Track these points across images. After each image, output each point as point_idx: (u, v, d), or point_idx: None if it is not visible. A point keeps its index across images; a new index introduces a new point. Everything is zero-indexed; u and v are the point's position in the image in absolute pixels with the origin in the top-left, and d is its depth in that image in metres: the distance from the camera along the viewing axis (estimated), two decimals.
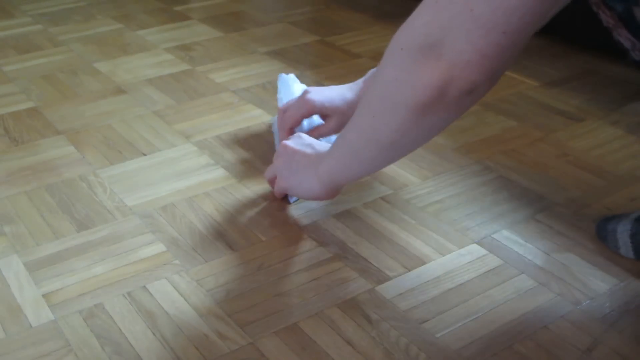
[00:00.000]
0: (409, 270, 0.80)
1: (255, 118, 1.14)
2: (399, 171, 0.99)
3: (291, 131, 0.95)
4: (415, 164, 1.00)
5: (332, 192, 0.84)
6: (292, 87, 1.04)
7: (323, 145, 0.85)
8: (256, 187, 0.95)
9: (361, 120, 0.70)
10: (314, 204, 0.91)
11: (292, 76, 1.07)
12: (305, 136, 0.88)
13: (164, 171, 0.99)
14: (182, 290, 0.77)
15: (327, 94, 0.94)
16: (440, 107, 0.61)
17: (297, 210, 0.90)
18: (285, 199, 0.92)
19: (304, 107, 0.93)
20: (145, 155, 1.03)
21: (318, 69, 1.33)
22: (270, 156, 1.02)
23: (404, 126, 0.65)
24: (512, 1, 0.54)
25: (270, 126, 1.11)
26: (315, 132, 0.96)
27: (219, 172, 0.99)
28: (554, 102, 1.19)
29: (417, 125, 0.64)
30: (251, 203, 0.92)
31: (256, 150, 1.04)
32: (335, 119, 0.94)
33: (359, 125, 0.71)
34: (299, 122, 0.95)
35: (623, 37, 0.62)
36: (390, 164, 0.75)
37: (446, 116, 0.63)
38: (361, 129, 0.70)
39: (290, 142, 0.87)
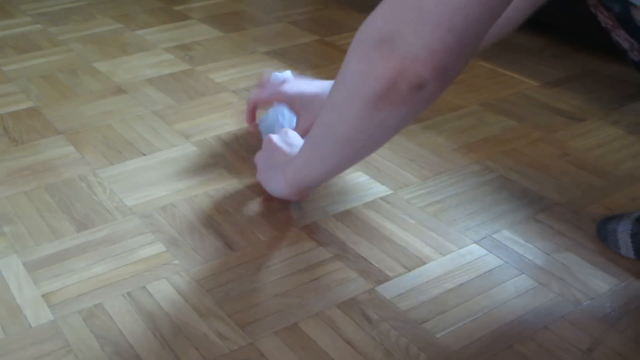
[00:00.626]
0: (409, 270, 0.80)
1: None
2: (399, 171, 0.99)
3: (253, 110, 1.00)
4: (415, 164, 1.00)
5: (297, 193, 0.85)
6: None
7: (300, 141, 0.86)
8: (256, 188, 0.95)
9: (323, 114, 0.71)
10: (314, 204, 0.91)
11: (288, 73, 1.07)
12: (292, 133, 0.88)
13: (164, 171, 0.99)
14: (181, 290, 0.77)
15: (304, 88, 0.95)
16: (392, 101, 0.62)
17: (297, 210, 0.90)
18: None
19: (272, 91, 0.96)
20: (145, 155, 1.03)
21: (318, 69, 1.33)
22: None
23: (358, 120, 0.66)
24: (456, 0, 0.56)
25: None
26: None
27: (219, 172, 0.98)
28: (554, 102, 1.19)
29: (371, 119, 0.65)
30: (251, 203, 0.92)
31: (256, 150, 1.04)
32: (304, 117, 0.95)
33: (321, 119, 0.72)
34: (262, 103, 0.99)
35: (621, 37, 0.62)
36: (350, 164, 0.75)
37: (399, 112, 0.64)
38: (322, 123, 0.72)
39: (275, 137, 0.89)
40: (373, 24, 0.62)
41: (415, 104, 0.63)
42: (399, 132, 0.79)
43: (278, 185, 0.85)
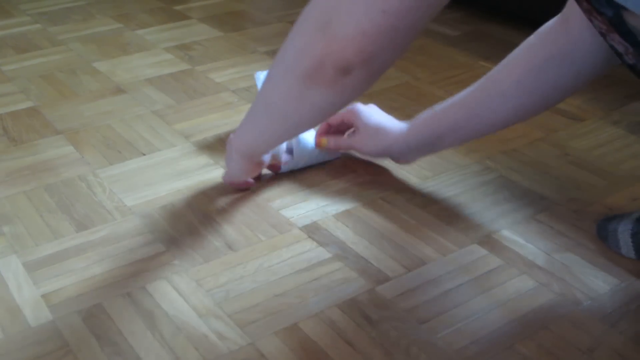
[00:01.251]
0: (409, 270, 0.79)
1: None
2: (399, 171, 0.98)
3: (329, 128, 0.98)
4: (415, 164, 1.00)
5: (248, 162, 0.86)
6: None
7: None
8: (256, 187, 0.95)
9: (263, 85, 0.73)
10: (314, 204, 0.91)
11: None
12: None
13: (164, 171, 0.99)
14: (181, 290, 0.76)
15: (377, 120, 0.95)
16: (319, 81, 0.64)
17: (297, 210, 0.90)
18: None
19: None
20: (144, 155, 1.03)
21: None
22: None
23: (290, 95, 0.68)
24: (389, 16, 0.57)
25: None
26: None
27: (219, 172, 0.98)
28: None
29: (301, 96, 0.67)
30: (251, 203, 0.92)
31: None
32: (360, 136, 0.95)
33: (261, 89, 0.74)
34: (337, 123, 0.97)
35: (616, 41, 0.62)
36: (286, 137, 0.78)
37: (326, 95, 0.65)
38: (261, 93, 0.74)
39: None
40: (316, 4, 0.62)
41: (342, 89, 0.64)
42: (327, 118, 0.82)
43: (236, 163, 0.87)
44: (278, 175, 0.97)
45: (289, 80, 0.67)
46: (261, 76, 1.02)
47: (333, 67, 0.61)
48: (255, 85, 1.05)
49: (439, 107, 0.89)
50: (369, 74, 0.62)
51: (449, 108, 0.88)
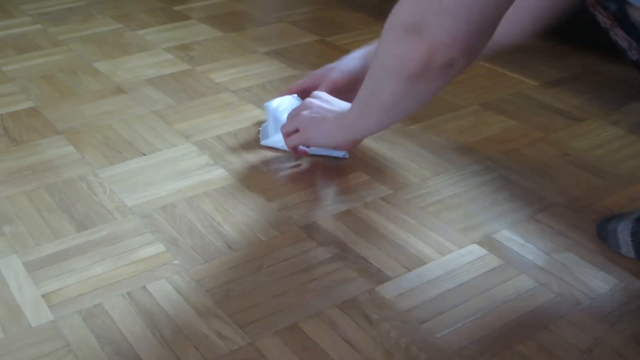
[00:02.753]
0: (409, 270, 0.79)
1: (255, 118, 1.14)
2: (399, 171, 0.99)
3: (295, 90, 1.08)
4: (415, 164, 1.00)
5: (352, 143, 0.94)
6: (278, 116, 1.05)
7: (337, 101, 0.95)
8: (256, 187, 0.95)
9: (369, 84, 0.82)
10: (314, 204, 0.91)
11: (290, 98, 1.08)
12: (325, 95, 0.97)
13: (164, 171, 0.99)
14: (181, 290, 0.77)
15: (348, 69, 1.04)
16: (427, 76, 0.73)
17: (297, 210, 0.90)
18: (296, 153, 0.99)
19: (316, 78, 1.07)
20: (145, 155, 1.03)
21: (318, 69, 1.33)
22: (269, 155, 1.02)
23: (399, 91, 0.77)
24: (473, 12, 0.66)
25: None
26: None
27: (219, 172, 0.98)
28: (554, 102, 1.19)
29: (409, 91, 0.77)
30: (251, 203, 0.92)
31: (256, 150, 1.04)
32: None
33: (365, 88, 0.83)
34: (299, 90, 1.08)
35: (619, 37, 0.62)
36: (396, 120, 0.86)
37: (433, 85, 0.75)
38: (367, 91, 0.83)
39: (314, 100, 0.96)
40: (401, 14, 0.72)
41: (447, 77, 0.74)
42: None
43: (335, 136, 0.92)
44: (278, 175, 0.97)
45: (395, 81, 0.76)
46: (272, 105, 1.06)
47: (439, 64, 0.71)
48: (266, 110, 1.08)
49: None
50: (470, 59, 0.72)
51: None
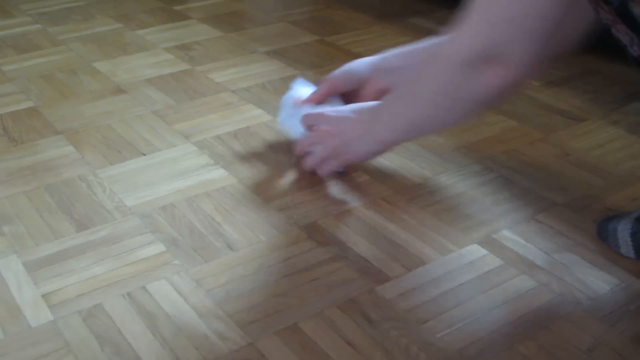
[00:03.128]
0: (409, 270, 0.79)
1: (255, 118, 1.14)
2: (399, 171, 0.98)
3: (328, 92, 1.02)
4: (415, 164, 1.00)
5: (387, 148, 0.93)
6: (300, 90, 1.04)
7: (357, 107, 0.93)
8: (256, 187, 0.95)
9: (424, 105, 0.82)
10: (314, 204, 0.91)
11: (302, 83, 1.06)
12: (339, 107, 0.95)
13: (164, 171, 0.99)
14: (181, 290, 0.77)
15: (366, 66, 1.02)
16: (499, 100, 0.76)
17: (297, 210, 0.90)
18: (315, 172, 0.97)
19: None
20: (144, 155, 1.03)
21: (318, 69, 1.33)
22: (269, 155, 1.02)
23: (467, 115, 0.81)
24: (547, 23, 0.69)
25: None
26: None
27: (219, 172, 0.98)
28: (554, 102, 1.19)
29: (479, 112, 0.80)
30: (251, 202, 0.92)
31: (256, 150, 1.04)
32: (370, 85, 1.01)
33: (422, 109, 0.83)
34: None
35: (622, 32, 0.62)
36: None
37: (504, 100, 0.78)
38: (424, 112, 0.83)
39: (332, 112, 0.94)
40: (467, 46, 0.73)
41: (518, 90, 0.79)
42: None
43: (365, 146, 0.91)
44: (278, 175, 0.97)
45: (467, 107, 0.79)
46: (295, 87, 1.04)
47: (514, 86, 0.74)
48: (289, 88, 1.05)
49: None
50: (541, 71, 0.79)
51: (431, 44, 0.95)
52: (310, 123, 0.97)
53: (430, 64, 0.80)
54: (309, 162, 0.96)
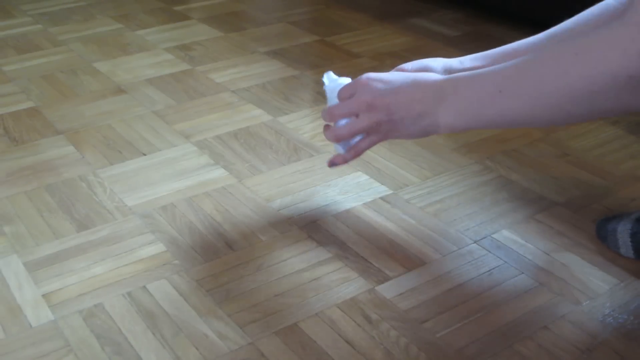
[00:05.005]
0: (409, 270, 0.80)
1: (255, 118, 1.14)
2: (399, 171, 0.99)
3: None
4: (415, 164, 1.00)
5: (463, 128, 0.76)
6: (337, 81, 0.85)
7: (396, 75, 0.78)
8: (256, 187, 0.95)
9: (540, 104, 0.67)
10: (314, 204, 0.91)
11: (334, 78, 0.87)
12: (386, 75, 0.79)
13: (164, 171, 0.99)
14: (182, 290, 0.77)
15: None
16: None
17: (297, 210, 0.90)
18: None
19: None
20: (145, 155, 1.03)
21: (318, 69, 1.33)
22: (269, 155, 1.02)
23: (583, 120, 0.69)
24: None
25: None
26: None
27: (219, 172, 0.99)
28: None
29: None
30: (251, 203, 0.92)
31: (256, 150, 1.04)
32: None
33: (531, 107, 0.68)
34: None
35: None
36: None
37: None
38: (533, 111, 0.68)
39: (378, 80, 0.78)
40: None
41: None
42: None
43: (419, 128, 0.75)
44: (278, 175, 0.98)
45: (599, 114, 0.67)
46: (330, 77, 0.86)
47: None
48: (325, 83, 0.86)
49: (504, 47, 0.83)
50: None
51: (513, 48, 0.82)
52: (350, 93, 0.80)
53: (572, 64, 0.64)
54: (339, 132, 0.80)
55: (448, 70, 0.85)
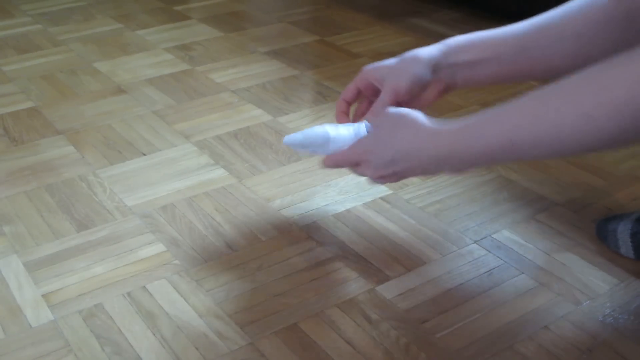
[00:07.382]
0: (409, 270, 0.80)
1: (255, 118, 1.14)
2: None
3: (347, 104, 0.86)
4: None
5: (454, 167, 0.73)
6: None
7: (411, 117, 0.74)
8: (256, 187, 0.95)
9: (589, 129, 0.61)
10: (314, 204, 0.91)
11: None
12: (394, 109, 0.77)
13: (164, 171, 0.99)
14: (181, 290, 0.77)
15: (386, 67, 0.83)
16: None
17: (297, 210, 0.90)
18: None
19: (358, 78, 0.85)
20: (145, 155, 1.03)
21: (318, 69, 1.33)
22: (269, 155, 1.02)
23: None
24: None
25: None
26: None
27: (219, 172, 0.98)
28: None
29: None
30: (251, 203, 0.92)
31: (256, 150, 1.04)
32: (388, 95, 0.81)
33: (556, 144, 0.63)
34: (353, 94, 0.85)
35: None
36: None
37: None
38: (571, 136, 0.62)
39: (383, 148, 0.75)
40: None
41: None
42: None
43: (435, 171, 0.74)
44: (278, 175, 0.98)
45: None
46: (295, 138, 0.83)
47: None
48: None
49: (486, 33, 0.80)
50: None
51: (499, 37, 0.79)
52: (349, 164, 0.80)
53: (594, 106, 0.59)
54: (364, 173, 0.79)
55: (435, 66, 0.80)
